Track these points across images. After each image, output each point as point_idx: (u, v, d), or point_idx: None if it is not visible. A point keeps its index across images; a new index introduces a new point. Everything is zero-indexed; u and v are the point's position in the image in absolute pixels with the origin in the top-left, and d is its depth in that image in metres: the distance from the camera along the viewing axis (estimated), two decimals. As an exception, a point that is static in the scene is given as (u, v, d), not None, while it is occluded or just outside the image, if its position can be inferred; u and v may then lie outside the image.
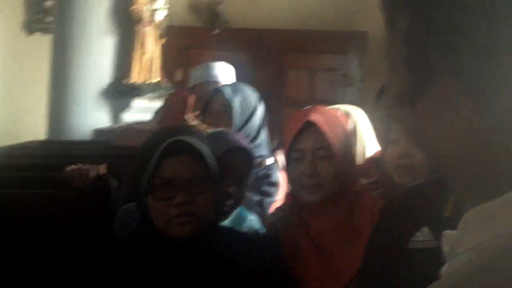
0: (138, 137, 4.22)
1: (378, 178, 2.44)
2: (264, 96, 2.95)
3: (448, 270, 0.54)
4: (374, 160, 2.55)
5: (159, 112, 2.60)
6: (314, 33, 7.51)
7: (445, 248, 0.56)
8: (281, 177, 2.66)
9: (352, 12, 7.69)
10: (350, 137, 2.10)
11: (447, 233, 0.57)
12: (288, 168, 2.10)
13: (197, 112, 2.83)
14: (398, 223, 1.69)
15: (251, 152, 2.27)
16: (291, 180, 2.11)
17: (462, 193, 0.53)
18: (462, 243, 0.51)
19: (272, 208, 2.54)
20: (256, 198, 2.53)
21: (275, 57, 7.67)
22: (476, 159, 0.50)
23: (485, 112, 0.49)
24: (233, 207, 2.24)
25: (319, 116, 2.04)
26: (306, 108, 2.16)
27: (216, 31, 7.67)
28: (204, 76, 3.96)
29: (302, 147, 2.03)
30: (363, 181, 2.26)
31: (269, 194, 2.60)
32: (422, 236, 1.61)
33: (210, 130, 2.45)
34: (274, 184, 2.65)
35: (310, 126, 2.02)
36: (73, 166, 2.69)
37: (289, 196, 2.16)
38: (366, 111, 2.83)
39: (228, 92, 2.76)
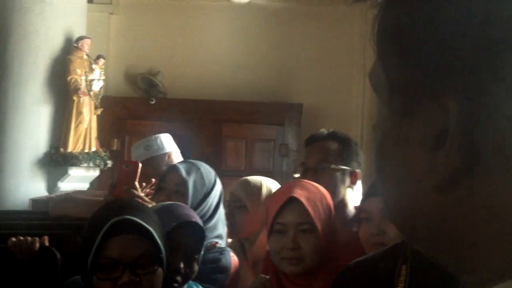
0: (76, 206, 4.18)
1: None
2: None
3: None
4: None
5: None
6: (250, 104, 7.68)
7: None
8: (232, 262, 2.54)
9: (288, 84, 7.88)
10: (331, 213, 2.16)
11: None
12: (271, 240, 2.15)
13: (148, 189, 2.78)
14: None
15: (201, 226, 2.19)
16: (272, 251, 2.15)
17: (484, 272, 0.52)
18: None
19: None
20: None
21: (212, 127, 7.74)
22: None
23: None
24: (182, 283, 2.15)
25: (302, 191, 2.11)
26: (290, 183, 2.27)
27: (153, 102, 7.71)
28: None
29: (285, 221, 2.09)
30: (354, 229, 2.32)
31: (215, 283, 2.45)
32: None
33: (159, 203, 2.42)
34: (223, 271, 2.51)
35: (293, 201, 2.09)
36: (19, 237, 2.65)
37: (269, 264, 2.20)
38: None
39: (183, 170, 2.63)
